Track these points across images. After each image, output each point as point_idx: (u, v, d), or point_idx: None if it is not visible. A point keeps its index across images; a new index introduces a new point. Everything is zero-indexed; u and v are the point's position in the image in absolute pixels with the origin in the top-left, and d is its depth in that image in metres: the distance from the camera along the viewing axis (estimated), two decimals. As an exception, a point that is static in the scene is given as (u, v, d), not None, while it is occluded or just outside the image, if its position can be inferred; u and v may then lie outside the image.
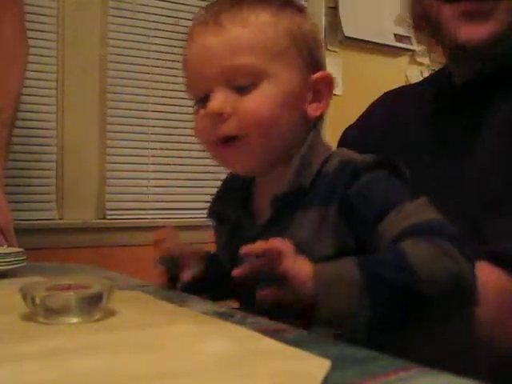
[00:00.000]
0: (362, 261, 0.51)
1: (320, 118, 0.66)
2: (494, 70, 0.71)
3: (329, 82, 0.65)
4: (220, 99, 0.60)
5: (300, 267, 0.51)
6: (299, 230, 0.60)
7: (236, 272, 0.53)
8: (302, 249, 0.53)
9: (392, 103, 0.87)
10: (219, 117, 0.60)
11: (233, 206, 0.68)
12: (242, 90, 0.60)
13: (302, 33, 0.63)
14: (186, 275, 0.67)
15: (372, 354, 0.39)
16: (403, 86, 0.96)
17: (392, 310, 0.50)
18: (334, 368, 0.34)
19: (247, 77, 0.60)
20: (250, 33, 0.60)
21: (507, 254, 0.58)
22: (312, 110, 0.64)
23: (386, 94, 0.90)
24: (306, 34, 0.63)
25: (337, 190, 0.58)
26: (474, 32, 0.67)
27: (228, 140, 0.61)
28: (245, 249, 0.52)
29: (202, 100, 0.63)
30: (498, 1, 0.67)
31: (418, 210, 0.55)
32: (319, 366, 0.35)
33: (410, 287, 0.49)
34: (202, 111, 0.63)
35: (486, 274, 0.55)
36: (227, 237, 0.69)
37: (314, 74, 0.64)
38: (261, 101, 0.60)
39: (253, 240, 0.52)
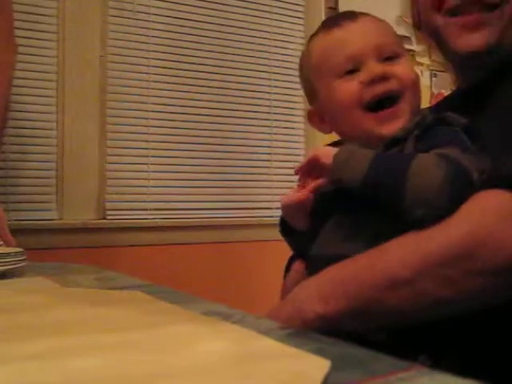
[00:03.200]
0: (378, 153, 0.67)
1: None
2: (486, 77, 0.76)
3: None
4: (378, 66, 0.73)
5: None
6: None
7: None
8: None
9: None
10: (382, 79, 0.72)
11: None
12: (390, 60, 0.73)
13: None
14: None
15: (372, 354, 0.39)
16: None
17: (380, 187, 0.64)
18: (334, 368, 0.34)
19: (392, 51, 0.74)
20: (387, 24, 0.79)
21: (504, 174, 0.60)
22: None
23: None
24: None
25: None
26: (470, 42, 0.74)
27: (382, 104, 0.72)
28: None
29: (349, 72, 0.73)
30: (489, 11, 0.73)
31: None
32: (319, 366, 0.35)
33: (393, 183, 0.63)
34: (359, 77, 0.72)
35: (486, 198, 0.58)
36: None
37: None
38: (409, 67, 0.74)
39: None
